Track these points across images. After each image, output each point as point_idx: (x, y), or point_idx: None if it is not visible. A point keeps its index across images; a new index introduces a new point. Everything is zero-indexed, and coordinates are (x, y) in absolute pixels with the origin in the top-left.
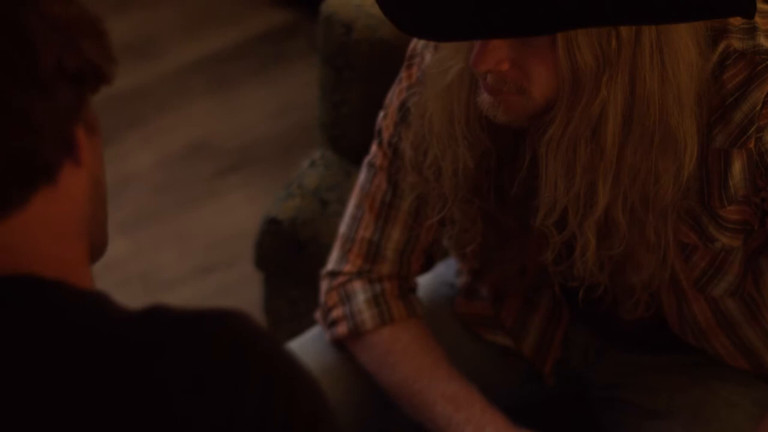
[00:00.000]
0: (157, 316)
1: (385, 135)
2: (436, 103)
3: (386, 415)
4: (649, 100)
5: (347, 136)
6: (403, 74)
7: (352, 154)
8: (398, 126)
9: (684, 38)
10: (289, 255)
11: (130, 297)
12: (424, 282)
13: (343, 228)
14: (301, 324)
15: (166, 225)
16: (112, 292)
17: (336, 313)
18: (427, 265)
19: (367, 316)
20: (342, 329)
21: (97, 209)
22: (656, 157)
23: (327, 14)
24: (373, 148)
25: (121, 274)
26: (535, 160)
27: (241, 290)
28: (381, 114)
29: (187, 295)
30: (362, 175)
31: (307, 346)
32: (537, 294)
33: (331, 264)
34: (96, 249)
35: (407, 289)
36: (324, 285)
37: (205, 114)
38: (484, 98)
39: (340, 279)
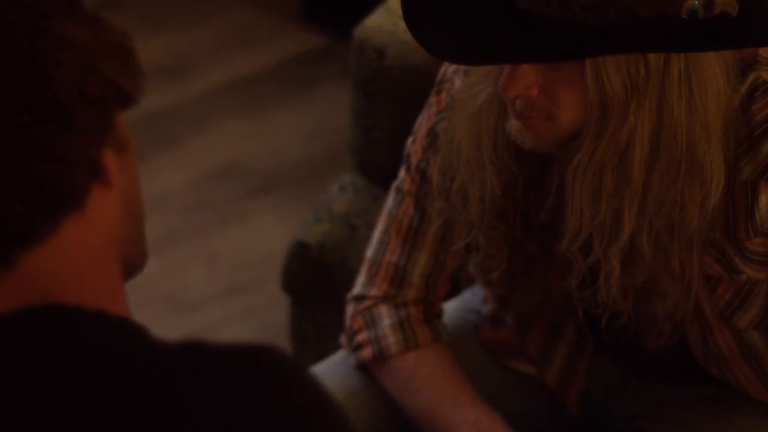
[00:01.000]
0: (193, 351)
1: (414, 160)
2: (465, 128)
3: None
4: (677, 128)
5: (377, 161)
6: (432, 99)
7: (382, 180)
8: (426, 151)
9: (713, 67)
10: (316, 279)
11: (157, 317)
12: (450, 308)
13: (369, 252)
14: (327, 347)
15: (195, 245)
16: (139, 311)
17: (361, 337)
18: (452, 291)
19: (392, 340)
20: (367, 353)
21: (131, 228)
22: (682, 185)
23: (360, 40)
24: (401, 172)
25: (148, 293)
26: (562, 186)
27: (267, 312)
28: (410, 139)
29: (213, 316)
30: (390, 200)
31: (332, 370)
32: (561, 323)
33: (357, 288)
34: (131, 268)
35: (433, 314)
36: (350, 309)
37: (236, 135)
38: (513, 124)
39: (366, 303)
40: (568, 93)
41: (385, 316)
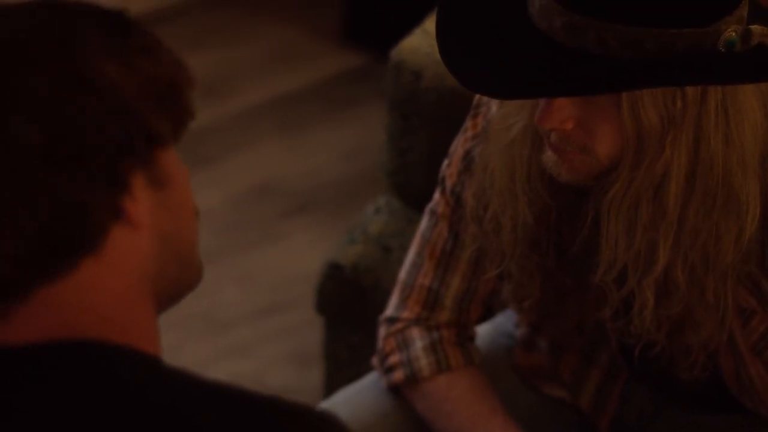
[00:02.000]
0: (228, 402)
1: (449, 183)
2: (499, 158)
3: None
4: (713, 160)
5: (412, 183)
6: (468, 123)
7: (417, 202)
8: (462, 175)
9: (750, 99)
10: (350, 301)
11: (191, 335)
12: (483, 332)
13: (402, 274)
14: (361, 369)
15: (230, 264)
16: (174, 329)
17: (393, 359)
18: (485, 315)
19: (424, 363)
20: (398, 375)
21: (167, 264)
22: (718, 217)
23: (396, 61)
24: (436, 195)
25: (182, 312)
26: (597, 218)
27: (301, 333)
28: (445, 162)
29: (247, 335)
30: (424, 223)
31: (364, 392)
32: (595, 349)
33: (389, 310)
34: (168, 302)
35: (465, 337)
36: (382, 331)
37: (273, 155)
38: (549, 156)
39: (398, 325)
40: (604, 126)
41: (418, 339)
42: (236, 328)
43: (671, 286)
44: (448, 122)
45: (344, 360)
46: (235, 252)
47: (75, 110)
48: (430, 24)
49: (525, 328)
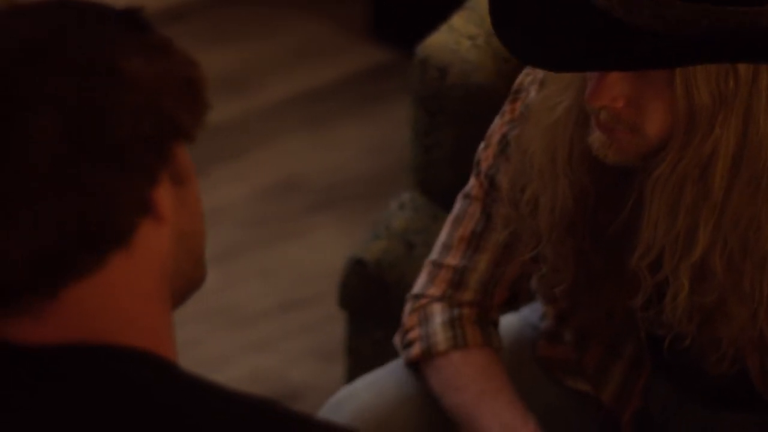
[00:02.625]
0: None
1: (484, 166)
2: (540, 140)
3: None
4: (761, 143)
5: (437, 179)
6: (507, 107)
7: (442, 198)
8: (497, 158)
9: None
10: (373, 296)
11: (213, 330)
12: (508, 323)
13: (433, 255)
14: (383, 365)
15: (253, 259)
16: (196, 324)
17: (413, 334)
18: (511, 302)
19: (441, 338)
20: (416, 350)
21: (184, 263)
22: (761, 203)
23: (422, 57)
24: (471, 179)
25: (204, 305)
26: (639, 199)
27: (324, 328)
28: (481, 145)
29: (269, 330)
30: (457, 205)
31: (387, 377)
32: (621, 342)
33: (416, 288)
34: (178, 301)
35: (487, 319)
36: (407, 307)
37: (298, 150)
38: (596, 137)
39: (423, 301)
40: (655, 104)
41: (438, 314)
42: (259, 322)
43: (708, 273)
44: (474, 119)
45: (367, 355)
46: (259, 246)
47: (104, 103)
48: (456, 20)
49: (551, 320)
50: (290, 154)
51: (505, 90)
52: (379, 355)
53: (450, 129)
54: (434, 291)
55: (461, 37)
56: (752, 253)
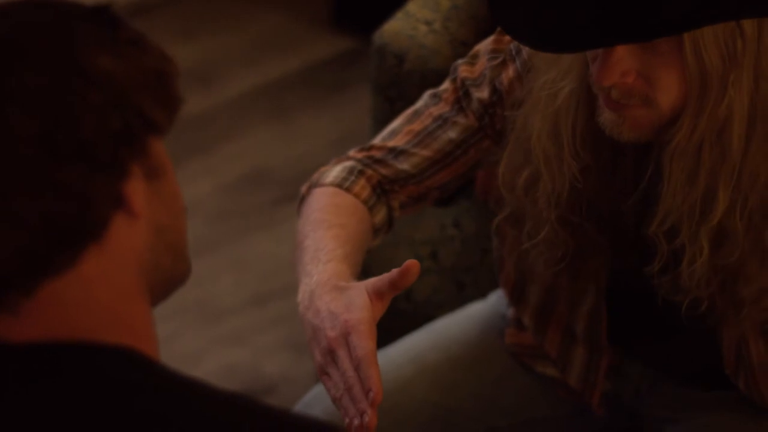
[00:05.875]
0: (232, 414)
1: (461, 73)
2: (542, 125)
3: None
4: None
5: None
6: (493, 37)
7: None
8: (474, 66)
9: None
10: None
11: (187, 325)
12: (477, 312)
13: (376, 138)
14: None
15: (223, 253)
16: (169, 320)
17: (314, 175)
18: (416, 201)
19: (332, 175)
20: (306, 185)
21: (162, 256)
22: None
23: (379, 45)
24: (446, 83)
25: (177, 301)
26: (657, 172)
27: (296, 321)
28: (460, 61)
29: (242, 324)
30: (421, 101)
31: (385, 360)
32: (575, 321)
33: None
34: (160, 296)
35: (385, 198)
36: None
37: (264, 142)
38: (607, 117)
39: (342, 157)
40: (666, 73)
41: (345, 163)
42: (231, 316)
43: (728, 235)
44: None
45: None
46: (228, 241)
47: (73, 101)
48: (411, 5)
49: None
50: (256, 146)
51: None
52: None
53: None
54: (358, 155)
55: (417, 23)
56: None
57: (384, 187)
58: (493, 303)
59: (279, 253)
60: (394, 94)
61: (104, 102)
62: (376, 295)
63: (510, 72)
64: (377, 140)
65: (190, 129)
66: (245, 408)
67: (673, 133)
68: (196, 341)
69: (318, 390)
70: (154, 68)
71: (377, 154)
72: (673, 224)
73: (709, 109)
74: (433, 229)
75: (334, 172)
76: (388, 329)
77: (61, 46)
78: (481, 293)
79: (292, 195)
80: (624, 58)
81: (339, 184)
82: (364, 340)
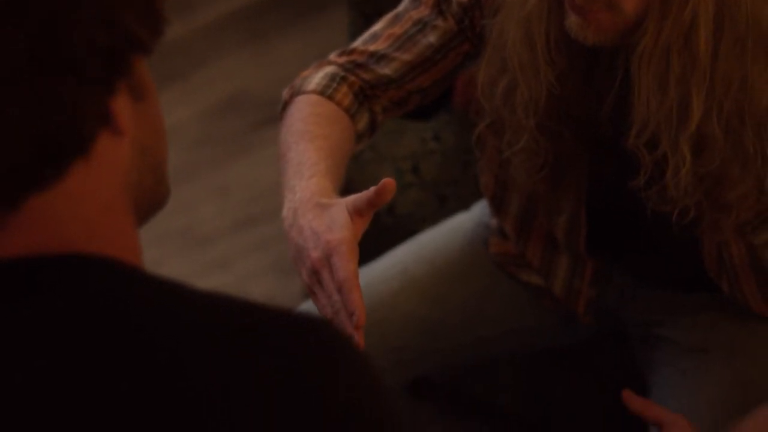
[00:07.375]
0: (215, 314)
1: None
2: (516, 32)
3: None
4: (739, 3)
5: None
6: None
7: None
8: None
9: None
10: None
11: (171, 252)
12: (460, 224)
13: (356, 41)
14: None
15: (205, 180)
16: (153, 247)
17: (296, 81)
18: (397, 107)
19: (314, 82)
20: (288, 91)
21: (145, 176)
22: (750, 63)
23: None
24: None
25: (161, 228)
26: (627, 78)
27: (280, 244)
28: None
29: (227, 249)
30: (402, 5)
31: (371, 273)
32: (555, 233)
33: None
34: (147, 213)
35: (367, 104)
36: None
37: (241, 67)
38: (572, 21)
39: (323, 61)
40: None
41: (326, 68)
42: (215, 242)
43: (708, 141)
44: None
45: None
46: (209, 167)
47: (61, 17)
48: None
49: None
50: (233, 71)
51: None
52: None
53: None
54: (339, 59)
55: None
56: (750, 113)
57: (366, 93)
58: (476, 213)
59: (260, 177)
60: (371, 10)
61: (93, 17)
62: (357, 212)
63: None
64: (358, 43)
65: (165, 56)
66: (240, 306)
67: (638, 37)
68: (180, 268)
69: (307, 306)
70: None
71: (358, 58)
72: (653, 134)
73: (673, 13)
74: (414, 144)
75: (316, 78)
76: (373, 244)
77: None
78: (462, 206)
79: (270, 119)
80: None
81: (321, 92)
82: (345, 262)
